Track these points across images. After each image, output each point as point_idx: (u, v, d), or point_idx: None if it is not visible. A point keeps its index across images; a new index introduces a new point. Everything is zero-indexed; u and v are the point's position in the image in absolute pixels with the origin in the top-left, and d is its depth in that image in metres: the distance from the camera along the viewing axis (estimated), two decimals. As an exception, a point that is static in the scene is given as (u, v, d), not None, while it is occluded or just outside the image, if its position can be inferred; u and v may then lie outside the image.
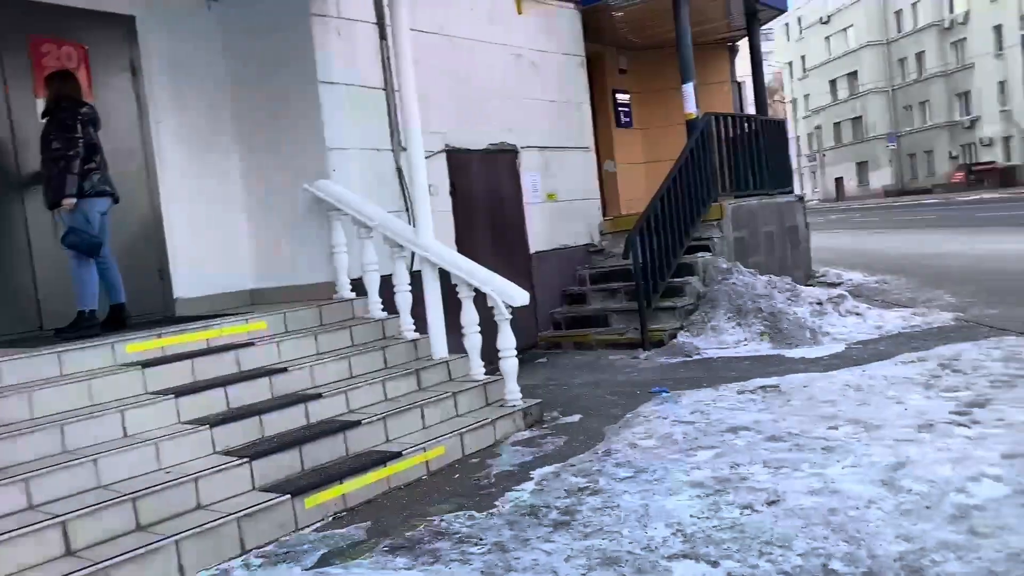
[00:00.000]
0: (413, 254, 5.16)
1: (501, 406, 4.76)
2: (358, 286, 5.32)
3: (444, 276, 5.02)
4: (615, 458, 3.88)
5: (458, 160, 6.58)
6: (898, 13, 59.36)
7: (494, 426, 4.51)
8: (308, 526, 3.45)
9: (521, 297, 4.73)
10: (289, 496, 3.42)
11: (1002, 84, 50.64)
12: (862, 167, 62.41)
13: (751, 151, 8.24)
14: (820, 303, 6.64)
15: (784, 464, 3.48)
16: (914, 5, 57.57)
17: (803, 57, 67.45)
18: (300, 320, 4.91)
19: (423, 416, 4.41)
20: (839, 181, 62.12)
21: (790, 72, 72.41)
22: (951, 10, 54.68)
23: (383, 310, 5.24)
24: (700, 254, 7.11)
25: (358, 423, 4.07)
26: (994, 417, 3.76)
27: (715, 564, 2.62)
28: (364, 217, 5.18)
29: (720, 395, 4.85)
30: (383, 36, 5.96)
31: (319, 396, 4.20)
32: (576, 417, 4.81)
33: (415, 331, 5.14)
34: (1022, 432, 3.51)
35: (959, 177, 52.90)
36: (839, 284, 8.69)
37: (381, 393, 4.52)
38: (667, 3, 8.10)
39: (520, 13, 7.41)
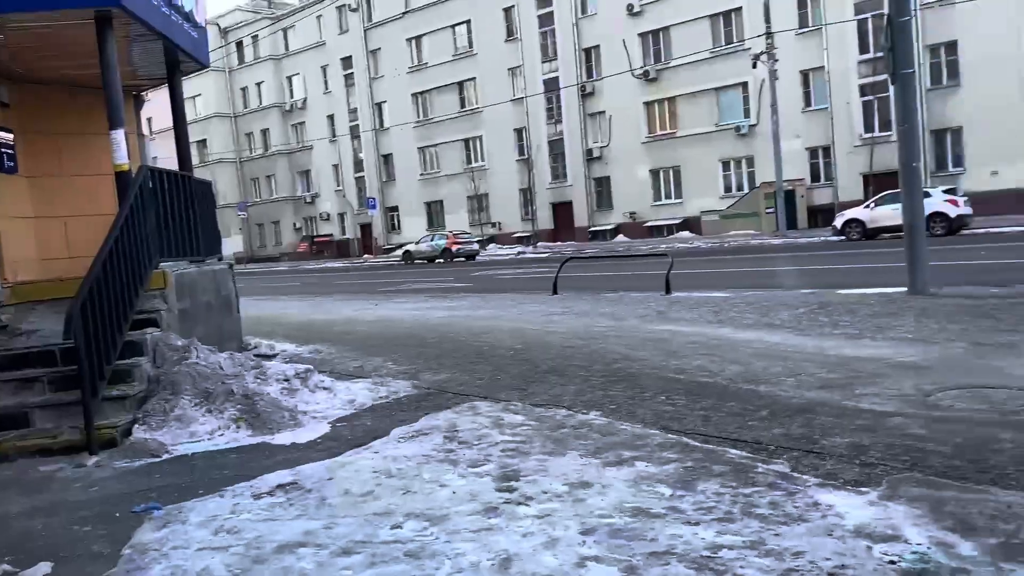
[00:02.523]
0: None
1: (-78, 575, 3.14)
2: None
3: None
4: (155, 623, 2.84)
5: None
6: (244, 90, 62.68)
7: (-78, 612, 2.93)
8: None
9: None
10: None
11: (336, 167, 57.35)
12: (213, 233, 63.32)
13: (186, 212, 7.42)
14: (288, 379, 6.20)
15: (382, 584, 2.98)
16: (259, 85, 61.52)
17: (149, 119, 66.07)
18: None
19: None
20: (192, 246, 61.67)
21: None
22: (291, 95, 59.99)
23: None
24: (148, 330, 6.02)
25: None
26: (539, 490, 3.86)
27: None
28: None
29: (236, 503, 4.04)
30: None
31: None
32: (44, 568, 3.44)
33: None
34: (575, 503, 3.65)
35: (304, 247, 57.96)
36: (274, 356, 8.37)
37: None
38: (72, 34, 6.84)
39: None
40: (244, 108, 62.31)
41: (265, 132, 61.38)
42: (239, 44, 60.44)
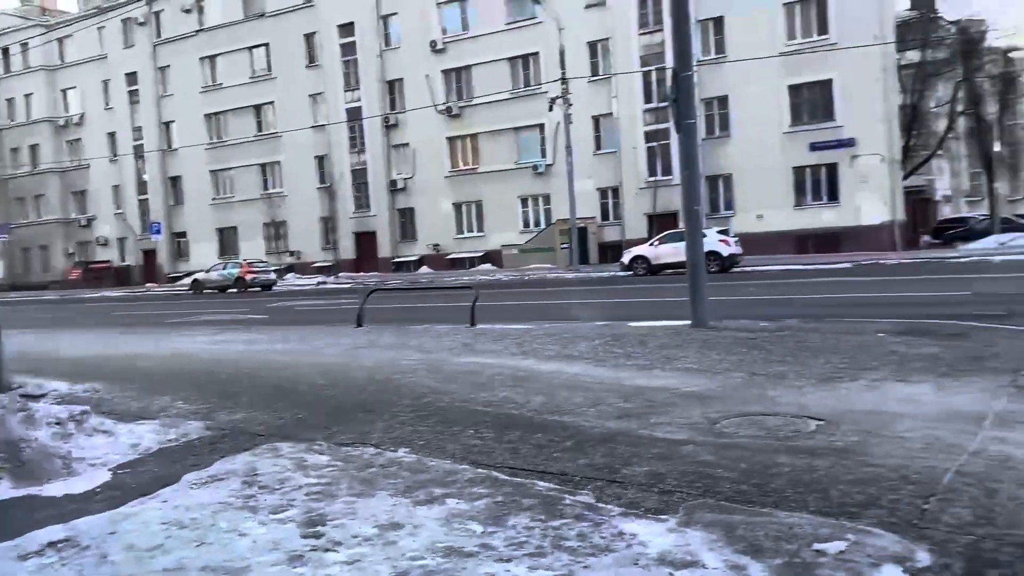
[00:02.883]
0: None
1: None
2: None
3: None
4: None
5: None
6: (10, 101, 57.17)
7: None
8: None
9: None
10: None
11: (117, 188, 53.38)
12: (-29, 257, 57.01)
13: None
14: (60, 422, 5.60)
15: (175, 649, 2.72)
16: (28, 96, 56.33)
17: None
18: None
19: None
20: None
21: None
22: (66, 109, 55.40)
23: None
24: None
25: None
26: (348, 535, 3.71)
27: None
28: None
29: (-3, 569, 3.55)
30: None
31: None
32: None
33: None
34: (387, 546, 3.54)
35: (76, 274, 53.20)
36: (43, 396, 7.56)
37: None
38: None
39: None
40: (10, 121, 56.63)
41: (34, 148, 56.07)
42: (5, 51, 55.04)
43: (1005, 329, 9.22)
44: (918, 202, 45.82)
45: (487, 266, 39.23)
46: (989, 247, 30.61)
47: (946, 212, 55.43)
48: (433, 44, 41.31)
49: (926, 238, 41.22)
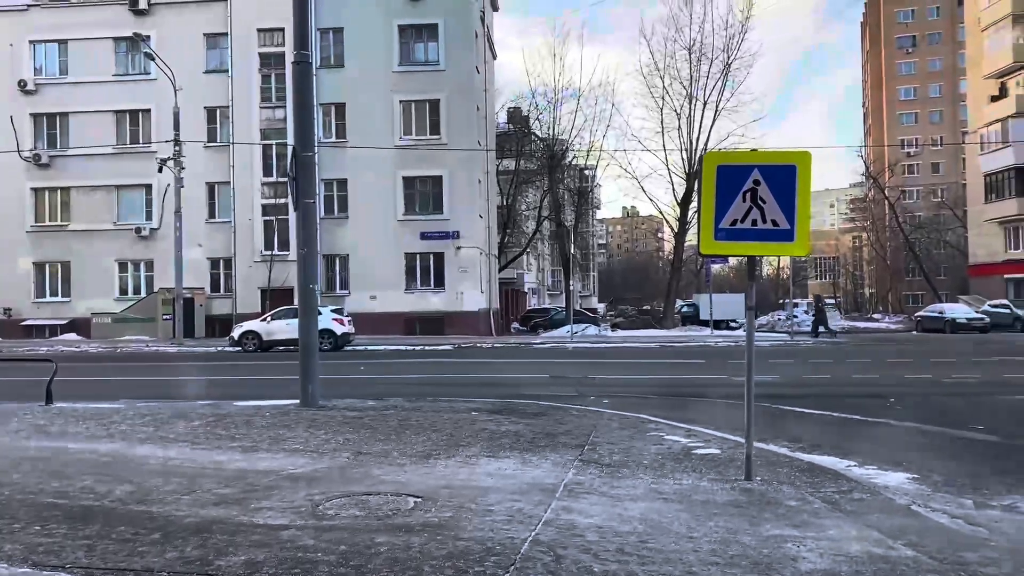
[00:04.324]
0: None
1: None
2: None
3: None
4: None
5: None
6: None
7: None
8: None
9: None
10: None
11: None
12: None
13: None
14: None
15: None
16: None
17: None
18: None
19: None
20: None
21: None
22: None
23: None
24: None
25: None
26: None
27: None
28: None
29: None
30: None
31: None
32: None
33: None
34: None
35: None
36: None
37: None
38: None
39: None
40: None
41: None
42: None
43: (574, 408, 10.58)
44: (510, 292, 51.13)
45: (72, 336, 34.87)
46: (564, 335, 35.02)
47: (533, 302, 62.56)
48: (22, 84, 36.65)
49: (516, 325, 45.94)
